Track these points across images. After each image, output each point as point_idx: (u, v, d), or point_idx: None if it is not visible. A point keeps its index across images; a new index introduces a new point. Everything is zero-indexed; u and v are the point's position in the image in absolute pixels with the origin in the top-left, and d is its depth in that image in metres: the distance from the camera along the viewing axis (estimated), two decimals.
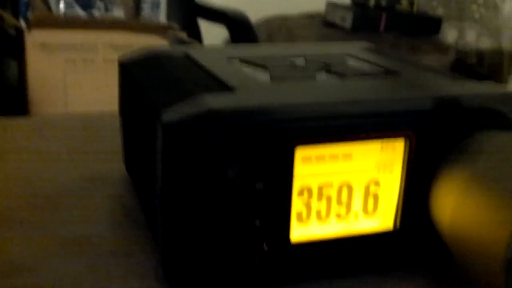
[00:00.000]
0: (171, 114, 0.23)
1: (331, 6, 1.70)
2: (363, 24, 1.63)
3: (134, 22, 1.28)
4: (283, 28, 1.71)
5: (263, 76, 0.28)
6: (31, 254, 0.26)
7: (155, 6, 1.35)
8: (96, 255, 0.26)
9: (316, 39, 1.63)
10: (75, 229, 0.28)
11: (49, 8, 1.26)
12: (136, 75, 0.31)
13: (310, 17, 1.82)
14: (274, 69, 0.29)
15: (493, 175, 0.22)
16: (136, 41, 1.21)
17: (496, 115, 0.26)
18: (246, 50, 0.34)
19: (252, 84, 0.26)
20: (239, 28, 1.35)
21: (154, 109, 0.24)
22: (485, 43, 1.89)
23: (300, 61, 0.32)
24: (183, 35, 1.32)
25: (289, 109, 0.23)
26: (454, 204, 0.23)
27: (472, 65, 1.88)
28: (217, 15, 1.46)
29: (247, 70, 0.29)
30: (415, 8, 1.69)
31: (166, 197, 0.23)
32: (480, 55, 1.89)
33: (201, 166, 0.22)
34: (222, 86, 0.26)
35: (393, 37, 1.65)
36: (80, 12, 1.27)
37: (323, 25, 1.72)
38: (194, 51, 0.33)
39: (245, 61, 0.31)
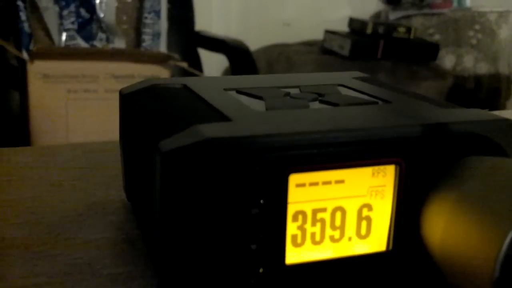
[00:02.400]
0: (169, 143, 0.24)
1: (329, 34, 1.73)
2: (361, 51, 1.65)
3: (135, 52, 1.30)
4: (282, 56, 1.73)
5: (258, 106, 0.29)
6: (33, 281, 0.27)
7: (156, 36, 1.38)
8: (97, 281, 0.27)
9: (315, 66, 1.65)
10: (76, 255, 0.29)
11: (51, 40, 1.29)
12: (135, 105, 0.32)
13: (309, 45, 1.85)
14: (269, 100, 0.30)
15: (480, 197, 0.23)
16: (137, 71, 1.23)
17: (484, 140, 0.27)
18: (243, 81, 0.36)
19: (247, 114, 0.27)
20: (239, 57, 1.37)
21: (153, 139, 0.25)
22: (483, 69, 1.91)
23: (294, 92, 0.33)
24: (184, 64, 1.34)
25: (283, 137, 0.24)
26: (443, 226, 0.24)
27: (470, 90, 1.89)
28: (217, 45, 1.48)
29: (243, 100, 0.30)
30: (412, 35, 1.71)
31: (164, 223, 0.24)
32: (478, 80, 1.91)
33: (199, 193, 0.23)
34: (219, 116, 0.27)
35: (391, 63, 1.67)
36: (82, 43, 1.29)
37: (322, 53, 1.74)
38: (192, 82, 0.34)
39: (241, 92, 0.32)
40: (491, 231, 0.22)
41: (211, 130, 0.24)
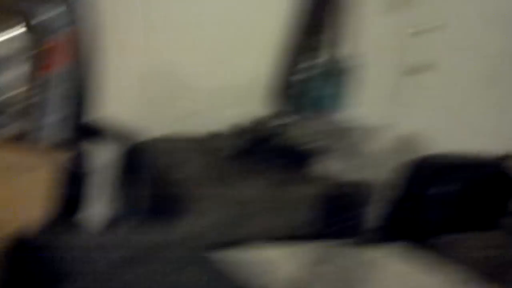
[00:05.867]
0: None
1: (212, 134, 1.86)
2: (243, 154, 1.79)
3: (19, 143, 1.34)
4: (167, 150, 1.83)
5: None
6: None
7: (45, 127, 1.42)
8: None
9: (197, 163, 1.76)
10: None
11: None
12: None
13: (197, 141, 1.96)
14: None
15: None
16: (19, 162, 1.27)
17: None
18: None
19: None
20: (128, 148, 1.43)
21: None
22: (356, 175, 2.10)
23: None
24: (70, 155, 1.38)
25: None
26: None
27: (338, 195, 2.06)
28: (106, 135, 1.54)
29: None
30: (290, 141, 1.87)
31: None
32: (348, 186, 2.09)
33: None
34: None
35: (269, 168, 1.81)
36: None
37: (205, 151, 1.85)
38: None
39: None
40: None
41: None
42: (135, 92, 1.99)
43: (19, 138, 1.37)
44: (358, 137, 2.09)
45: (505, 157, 1.56)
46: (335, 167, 2.03)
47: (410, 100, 2.47)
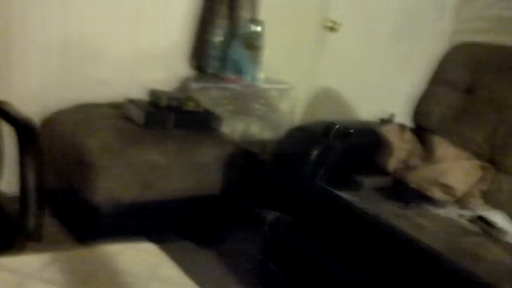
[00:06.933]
0: None
1: (129, 102, 1.99)
2: (154, 121, 1.93)
3: None
4: (87, 118, 1.96)
5: None
6: None
7: None
8: None
9: (113, 130, 1.89)
10: None
11: None
12: None
13: (115, 107, 2.09)
14: None
15: None
16: None
17: None
18: None
19: None
20: (25, 134, 1.49)
21: None
22: (266, 135, 2.28)
23: None
24: None
25: None
26: None
27: (255, 153, 2.24)
28: (8, 119, 1.55)
29: None
30: (200, 108, 2.02)
31: None
32: (263, 145, 2.26)
33: None
34: None
35: (181, 132, 1.96)
36: None
37: (124, 118, 1.99)
38: None
39: None
40: None
41: None
42: (47, 61, 2.09)
43: None
44: (266, 100, 2.24)
45: (382, 121, 1.71)
46: (241, 130, 2.19)
47: (326, 58, 2.63)
